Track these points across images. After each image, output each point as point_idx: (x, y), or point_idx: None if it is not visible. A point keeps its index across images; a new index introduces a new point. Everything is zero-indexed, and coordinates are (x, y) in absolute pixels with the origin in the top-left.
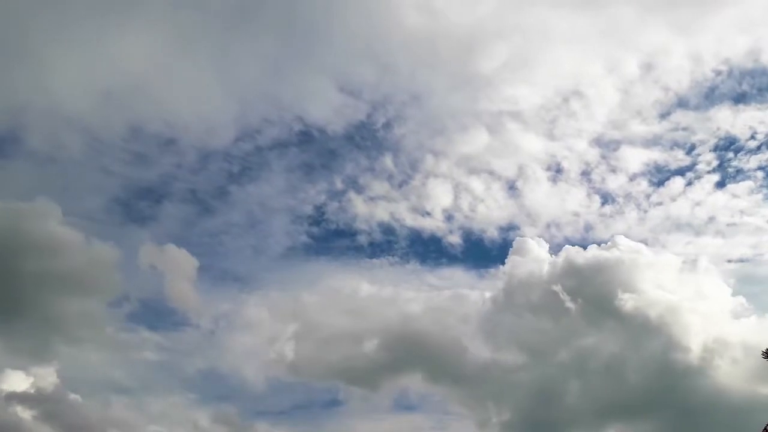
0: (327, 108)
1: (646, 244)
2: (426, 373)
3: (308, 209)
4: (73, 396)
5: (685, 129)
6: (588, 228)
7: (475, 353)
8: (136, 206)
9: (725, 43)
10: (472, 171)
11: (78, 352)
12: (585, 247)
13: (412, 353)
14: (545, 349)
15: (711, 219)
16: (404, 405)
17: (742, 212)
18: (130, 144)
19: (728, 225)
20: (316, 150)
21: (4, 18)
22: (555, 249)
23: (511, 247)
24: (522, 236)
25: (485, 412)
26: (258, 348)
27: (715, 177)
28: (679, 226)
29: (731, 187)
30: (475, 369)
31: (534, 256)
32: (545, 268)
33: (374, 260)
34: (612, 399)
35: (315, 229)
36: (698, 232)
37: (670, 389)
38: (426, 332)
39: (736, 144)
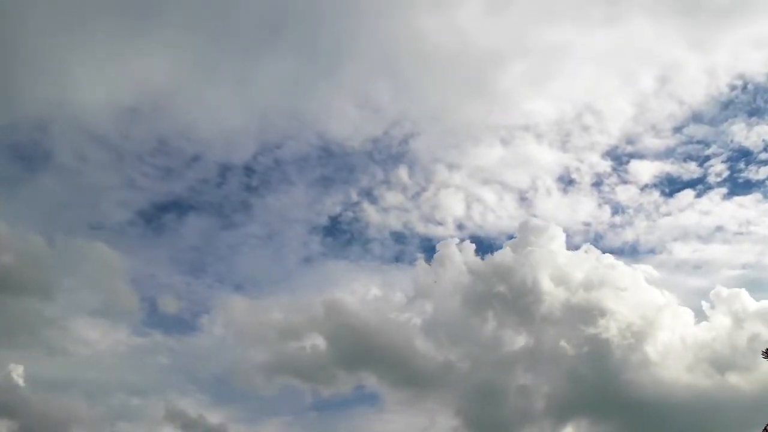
0: (346, 124)
1: (653, 252)
2: None
3: (323, 220)
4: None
5: (698, 142)
6: (598, 237)
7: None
8: (160, 219)
9: (740, 58)
10: (485, 182)
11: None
12: None
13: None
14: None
15: (718, 228)
16: None
17: (748, 222)
18: (154, 159)
19: (735, 234)
20: (334, 164)
21: (30, 35)
22: None
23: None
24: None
25: None
26: (269, 350)
27: (725, 188)
28: (686, 234)
29: (739, 198)
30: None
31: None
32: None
33: (384, 266)
34: (570, 397)
35: (329, 239)
36: (705, 240)
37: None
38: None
39: (749, 156)
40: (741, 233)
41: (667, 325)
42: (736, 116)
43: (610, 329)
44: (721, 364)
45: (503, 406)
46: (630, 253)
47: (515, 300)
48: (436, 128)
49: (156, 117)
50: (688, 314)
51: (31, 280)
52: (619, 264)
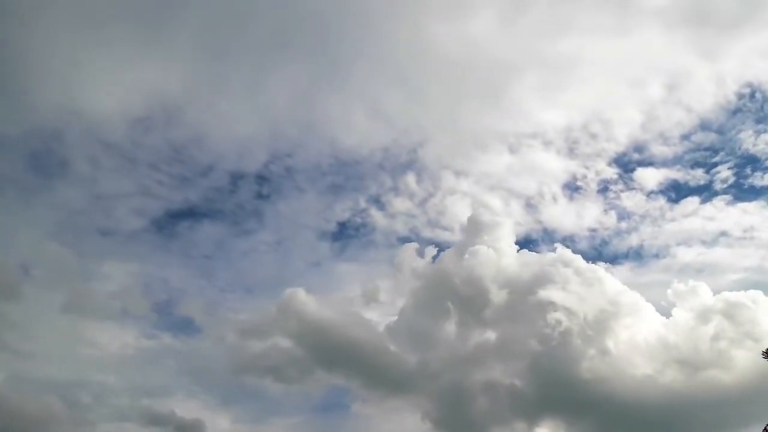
0: (356, 132)
1: (657, 257)
2: None
3: (332, 226)
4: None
5: (706, 149)
6: (603, 243)
7: None
8: (174, 227)
9: (748, 67)
10: (492, 188)
11: None
12: (595, 261)
13: None
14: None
15: (722, 233)
16: None
17: (752, 227)
18: (167, 167)
19: (738, 238)
20: (344, 172)
21: (44, 44)
22: None
23: None
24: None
25: None
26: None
27: (730, 195)
28: (689, 239)
29: (743, 204)
30: None
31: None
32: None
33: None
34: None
35: (337, 244)
36: (709, 244)
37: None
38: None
39: (756, 163)
40: (744, 238)
41: (630, 323)
42: (743, 123)
43: (561, 327)
44: (689, 361)
45: (469, 406)
46: (634, 257)
47: (465, 301)
48: (445, 136)
49: (169, 126)
50: (653, 312)
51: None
52: (588, 265)
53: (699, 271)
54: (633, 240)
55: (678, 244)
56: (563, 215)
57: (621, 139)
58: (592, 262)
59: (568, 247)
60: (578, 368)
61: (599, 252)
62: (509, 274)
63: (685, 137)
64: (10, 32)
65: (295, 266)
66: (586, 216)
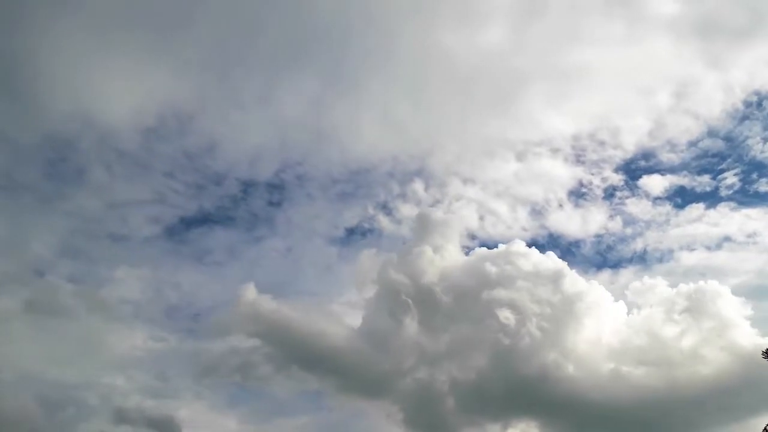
0: (366, 141)
1: (661, 261)
2: None
3: (340, 232)
4: None
5: (714, 156)
6: (608, 248)
7: None
8: (186, 234)
9: (756, 76)
10: (498, 195)
11: None
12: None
13: None
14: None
15: (726, 238)
16: None
17: (755, 233)
18: (180, 175)
19: (741, 243)
20: (353, 181)
21: (59, 53)
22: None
23: None
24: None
25: None
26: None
27: (735, 201)
28: (693, 243)
29: (747, 210)
30: None
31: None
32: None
33: None
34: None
35: (345, 249)
36: (712, 249)
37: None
38: None
39: (762, 170)
40: (747, 243)
41: (594, 321)
42: (751, 131)
43: (513, 324)
44: (655, 358)
45: (438, 407)
46: (638, 261)
47: (420, 302)
48: (454, 144)
49: (182, 135)
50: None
51: None
52: (549, 261)
53: (701, 274)
54: (638, 245)
55: (681, 249)
56: (568, 221)
57: (628, 146)
58: (597, 268)
59: (572, 251)
60: (538, 367)
61: (604, 257)
62: (456, 274)
63: (693, 144)
64: (27, 42)
65: (304, 271)
66: (591, 222)
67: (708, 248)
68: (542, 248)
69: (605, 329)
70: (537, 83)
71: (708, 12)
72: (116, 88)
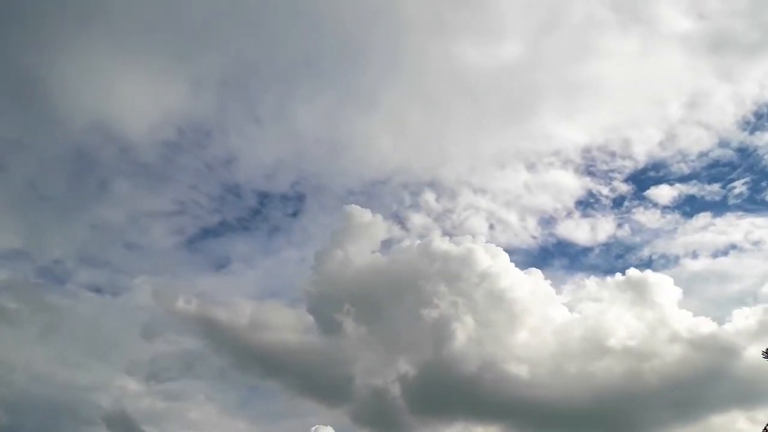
0: (380, 153)
1: (666, 267)
2: None
3: None
4: None
5: (724, 165)
6: (617, 257)
7: None
8: (204, 244)
9: (766, 89)
10: (508, 204)
11: None
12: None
13: None
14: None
15: (732, 245)
16: None
17: (760, 240)
18: (199, 187)
19: (746, 250)
20: (367, 192)
21: (80, 67)
22: None
23: None
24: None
25: None
26: None
27: (742, 209)
28: (699, 250)
29: (752, 218)
30: None
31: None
32: None
33: None
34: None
35: None
36: (717, 256)
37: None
38: None
39: None
40: (752, 250)
41: (539, 320)
42: (761, 140)
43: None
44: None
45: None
46: (645, 268)
47: (357, 304)
48: (466, 155)
49: (199, 148)
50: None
51: None
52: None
53: (705, 279)
54: (645, 253)
55: (686, 256)
56: (577, 229)
57: (639, 156)
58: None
59: (580, 259)
60: (479, 366)
61: (612, 265)
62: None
63: (704, 154)
64: (51, 58)
65: None
66: (599, 230)
67: (713, 255)
68: (552, 257)
69: (547, 329)
70: (550, 96)
71: (721, 28)
72: (137, 102)
